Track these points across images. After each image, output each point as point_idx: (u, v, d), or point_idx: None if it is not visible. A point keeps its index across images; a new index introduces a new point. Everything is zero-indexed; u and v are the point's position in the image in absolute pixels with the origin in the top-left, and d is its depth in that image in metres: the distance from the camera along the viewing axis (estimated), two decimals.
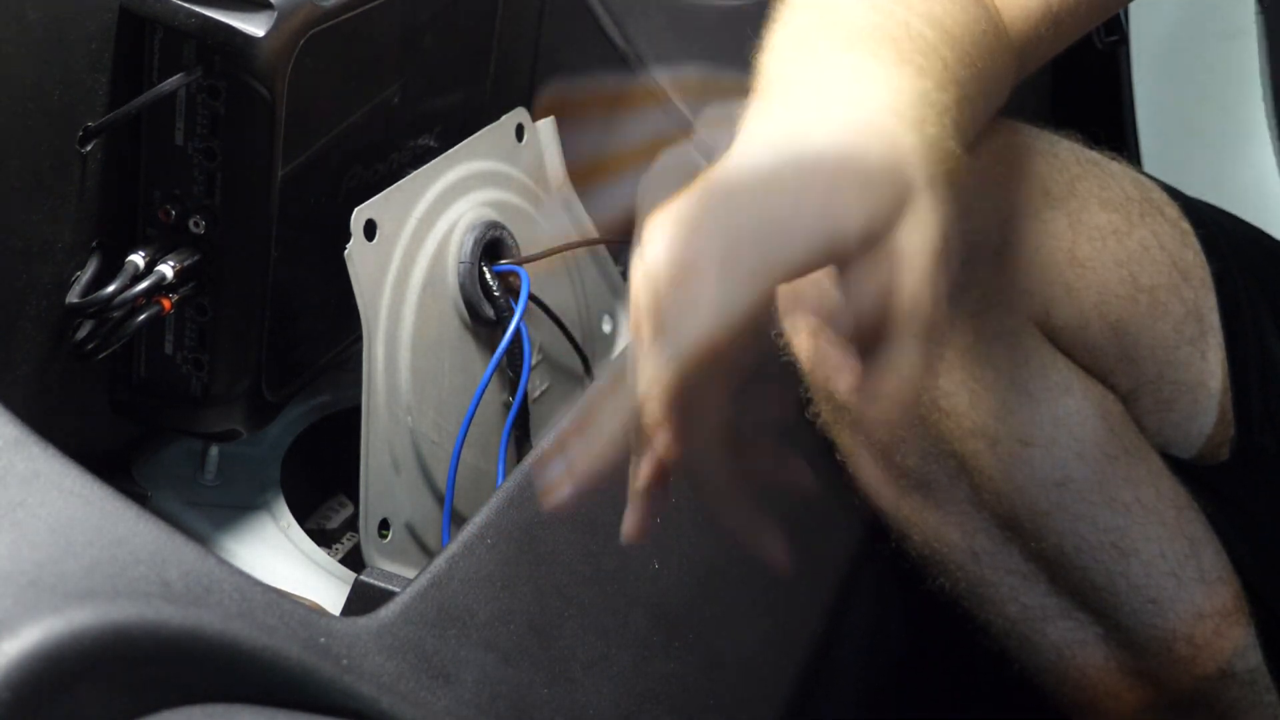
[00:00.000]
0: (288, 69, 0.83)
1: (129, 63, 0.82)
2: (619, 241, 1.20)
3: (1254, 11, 1.31)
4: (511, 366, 0.97)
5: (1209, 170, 1.35)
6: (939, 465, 0.94)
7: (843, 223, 0.61)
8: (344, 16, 0.87)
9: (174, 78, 0.81)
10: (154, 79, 0.83)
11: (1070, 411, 0.93)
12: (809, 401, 0.98)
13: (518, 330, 0.95)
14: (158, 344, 0.88)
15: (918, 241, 0.63)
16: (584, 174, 1.12)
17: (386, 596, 0.73)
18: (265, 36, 0.81)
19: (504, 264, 0.99)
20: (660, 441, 0.63)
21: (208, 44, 0.81)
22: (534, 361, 0.99)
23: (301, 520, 0.97)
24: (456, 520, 0.92)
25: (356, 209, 0.89)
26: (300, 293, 0.92)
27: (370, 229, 0.90)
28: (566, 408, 0.95)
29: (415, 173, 0.95)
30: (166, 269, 0.83)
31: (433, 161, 0.97)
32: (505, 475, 0.94)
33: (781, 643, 0.93)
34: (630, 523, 0.66)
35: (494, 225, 0.99)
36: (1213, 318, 0.96)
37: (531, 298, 0.97)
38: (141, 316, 0.83)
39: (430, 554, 0.93)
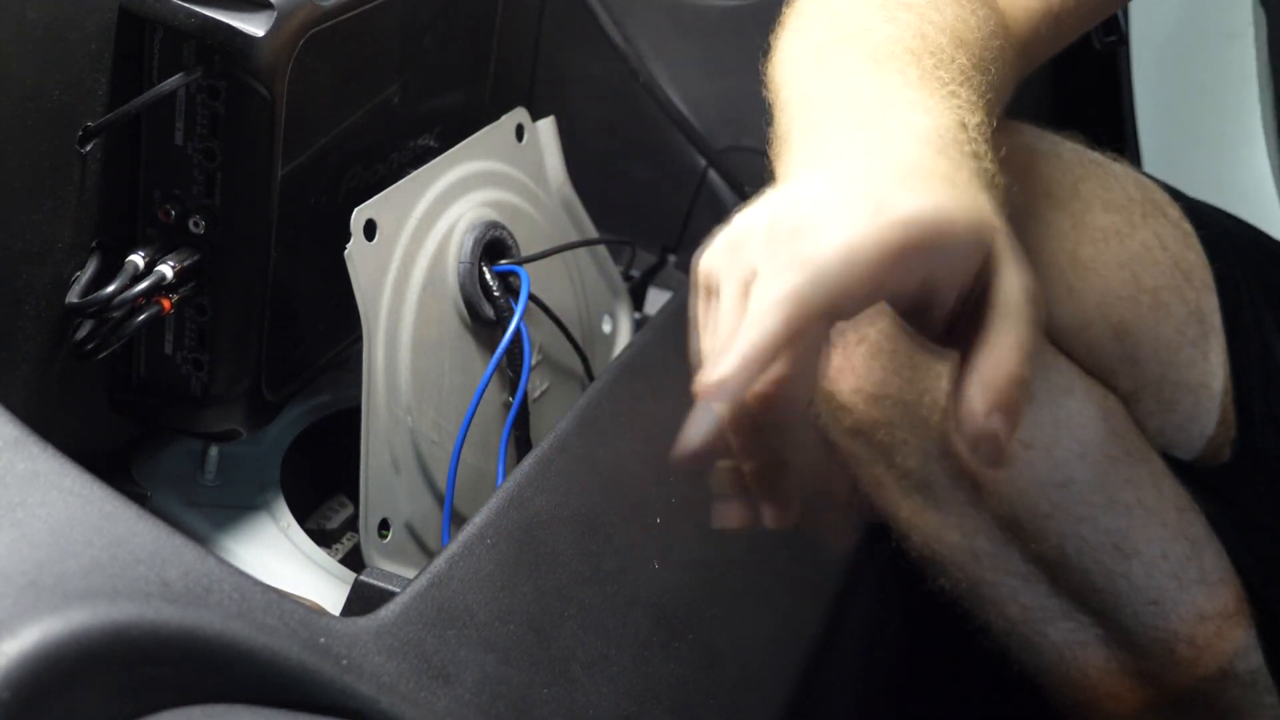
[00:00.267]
0: (288, 69, 0.83)
1: (129, 63, 0.82)
2: (619, 241, 1.20)
3: (1251, 10, 1.31)
4: (511, 366, 0.97)
5: (1209, 171, 1.35)
6: (939, 466, 0.94)
7: (940, 294, 0.63)
8: (344, 16, 0.87)
9: (174, 78, 0.81)
10: (154, 79, 0.83)
11: (1072, 413, 0.93)
12: (810, 402, 0.98)
13: (518, 330, 0.95)
14: (157, 344, 0.88)
15: (1015, 291, 0.63)
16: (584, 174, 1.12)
17: (386, 596, 0.73)
18: (265, 36, 0.81)
19: (504, 264, 0.99)
20: (774, 370, 0.62)
21: (208, 44, 0.81)
22: (534, 361, 0.99)
23: (301, 520, 0.96)
24: (456, 520, 0.92)
25: (356, 209, 0.89)
26: (300, 293, 0.92)
27: (370, 229, 0.90)
28: (567, 408, 0.95)
29: (415, 173, 0.95)
30: (166, 269, 0.83)
31: (433, 161, 0.97)
32: (505, 475, 0.94)
33: (781, 643, 0.93)
34: (692, 437, 0.63)
35: (494, 225, 0.99)
36: (1215, 319, 0.96)
37: (531, 298, 0.97)
38: (141, 316, 0.83)
39: (430, 554, 0.93)
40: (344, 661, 0.64)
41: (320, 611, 0.69)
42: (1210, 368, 0.96)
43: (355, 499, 0.90)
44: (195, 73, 0.81)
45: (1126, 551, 0.94)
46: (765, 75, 0.79)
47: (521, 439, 0.99)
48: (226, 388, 0.89)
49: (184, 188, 0.85)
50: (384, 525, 0.91)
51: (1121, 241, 0.94)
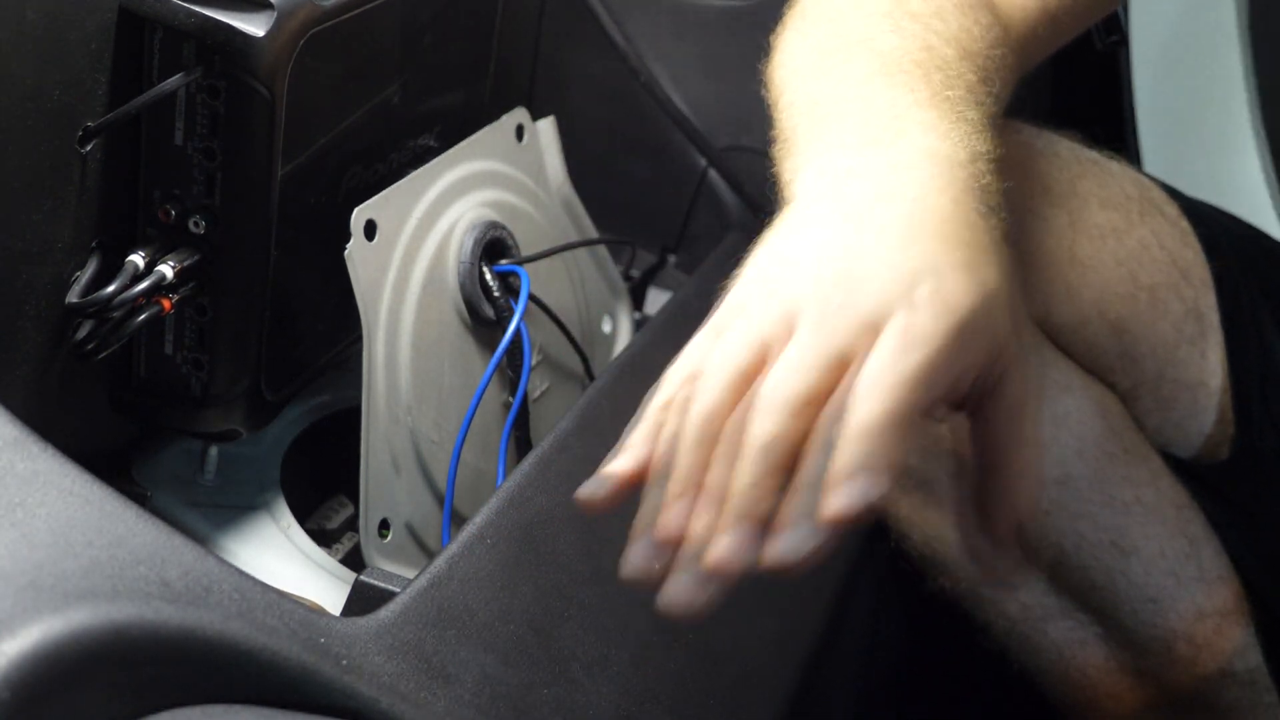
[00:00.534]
0: (288, 69, 0.83)
1: (129, 62, 0.82)
2: (619, 241, 1.20)
3: (1235, 13, 1.31)
4: (511, 366, 0.97)
5: (1209, 170, 1.35)
6: (938, 464, 0.94)
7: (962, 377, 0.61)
8: (344, 16, 0.87)
9: (174, 77, 0.81)
10: (154, 79, 0.83)
11: (1070, 410, 0.93)
12: None
13: (518, 330, 0.95)
14: (158, 344, 0.88)
15: (1018, 390, 0.62)
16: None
17: (386, 596, 0.73)
18: (265, 36, 0.81)
19: (504, 264, 0.99)
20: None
21: (208, 44, 0.81)
22: (534, 361, 0.99)
23: (301, 520, 0.96)
24: (456, 520, 0.92)
25: (356, 209, 0.89)
26: (300, 293, 0.92)
27: (370, 229, 0.90)
28: (567, 408, 0.95)
29: (415, 173, 0.95)
30: (166, 269, 0.83)
31: (433, 161, 0.97)
32: (505, 475, 0.94)
33: (781, 643, 0.93)
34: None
35: (494, 225, 0.99)
36: (1213, 317, 0.96)
37: (531, 298, 0.97)
38: (141, 316, 0.83)
39: (430, 554, 0.93)
40: (344, 661, 0.64)
41: (320, 611, 0.69)
42: (1208, 365, 0.96)
43: (355, 499, 0.90)
44: (195, 73, 0.81)
45: (1125, 549, 0.94)
46: (766, 76, 0.79)
47: (521, 439, 0.99)
48: (226, 388, 0.89)
49: (184, 188, 0.85)
50: (384, 525, 0.91)
51: (1119, 239, 0.94)
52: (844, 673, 1.05)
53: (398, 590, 0.73)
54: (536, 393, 1.03)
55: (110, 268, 0.84)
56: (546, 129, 1.10)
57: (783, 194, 0.68)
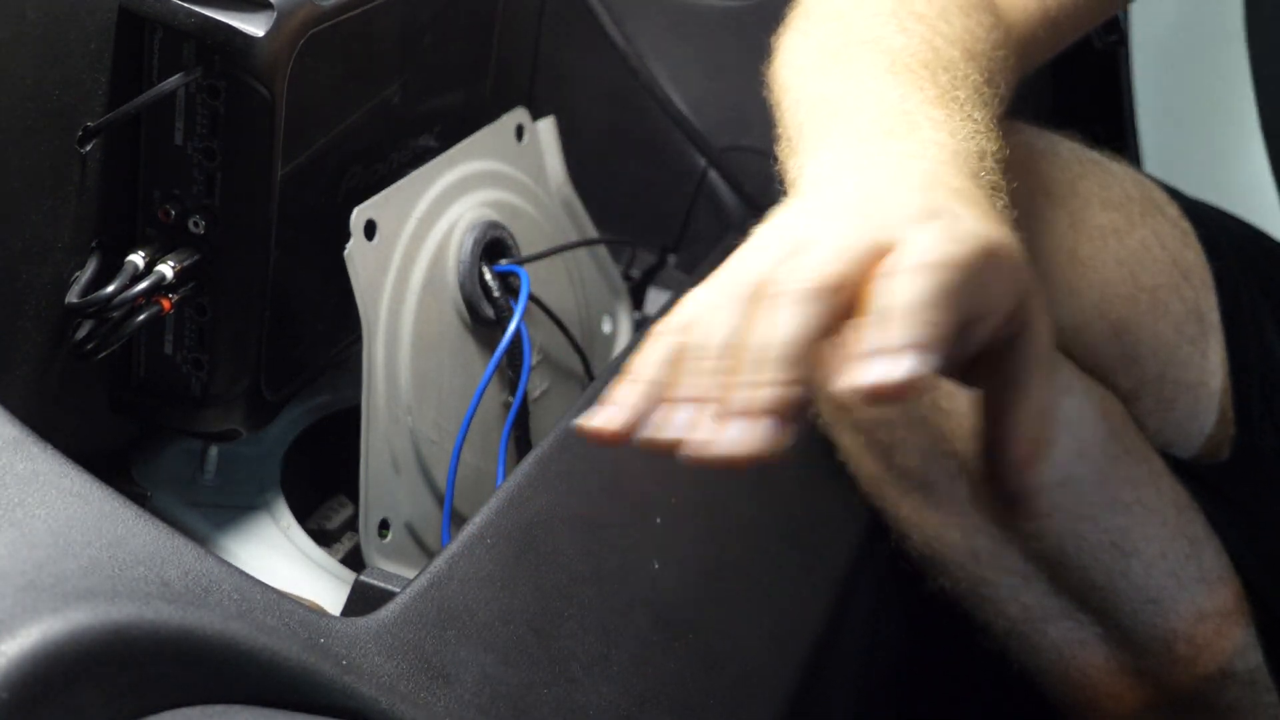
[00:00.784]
0: (288, 69, 0.83)
1: (129, 62, 0.82)
2: (619, 241, 1.20)
3: (1235, 13, 1.31)
4: (511, 366, 0.97)
5: (1209, 170, 1.35)
6: (939, 465, 0.94)
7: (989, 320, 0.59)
8: (344, 16, 0.87)
9: (174, 77, 0.81)
10: (154, 79, 0.83)
11: (1071, 411, 0.93)
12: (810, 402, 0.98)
13: (518, 330, 0.95)
14: (157, 344, 0.88)
15: (1048, 343, 0.62)
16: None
17: (386, 596, 0.73)
18: (265, 36, 0.81)
19: (504, 264, 0.99)
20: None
21: (207, 44, 0.81)
22: (534, 361, 0.99)
23: (301, 520, 0.96)
24: (456, 520, 0.92)
25: (356, 209, 0.89)
26: (300, 293, 0.92)
27: (370, 229, 0.90)
28: (567, 408, 0.95)
29: (415, 173, 0.95)
30: (166, 269, 0.83)
31: (433, 161, 0.97)
32: (505, 475, 0.94)
33: (781, 643, 0.93)
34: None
35: (494, 225, 0.99)
36: (1213, 317, 0.96)
37: (531, 298, 0.97)
38: (141, 316, 0.83)
39: (430, 554, 0.93)
40: (344, 661, 0.64)
41: (320, 611, 0.69)
42: (1209, 366, 0.96)
43: (355, 499, 0.90)
44: (195, 72, 0.81)
45: (1126, 550, 0.94)
46: (769, 76, 0.79)
47: (521, 439, 0.99)
48: (226, 388, 0.89)
49: (184, 188, 0.85)
50: (384, 525, 0.91)
51: (1120, 240, 0.94)
52: (844, 673, 1.05)
53: (398, 590, 0.73)
54: (536, 393, 1.03)
55: (110, 268, 0.84)
56: (546, 129, 1.10)
57: (788, 190, 0.68)
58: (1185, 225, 0.98)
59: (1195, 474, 0.97)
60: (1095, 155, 0.98)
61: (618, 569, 0.83)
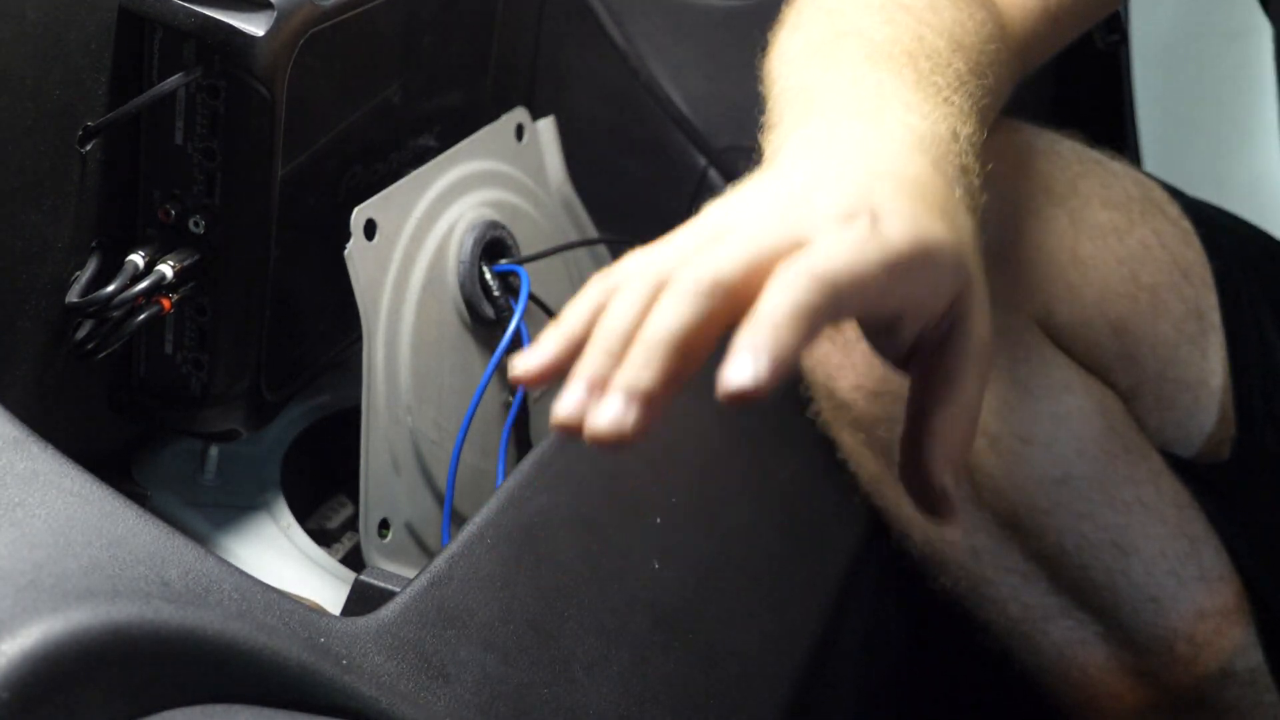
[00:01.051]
0: (288, 69, 0.83)
1: (129, 62, 0.82)
2: (619, 241, 1.20)
3: (1258, 12, 1.31)
4: None
5: (1210, 170, 1.35)
6: None
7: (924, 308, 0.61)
8: (344, 16, 0.87)
9: (174, 77, 0.81)
10: (154, 78, 0.83)
11: (1071, 409, 0.93)
12: (809, 401, 0.98)
13: (518, 330, 0.95)
14: (158, 344, 0.88)
15: (982, 340, 0.63)
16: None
17: (386, 596, 0.73)
18: (265, 36, 0.81)
19: (504, 264, 0.99)
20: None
21: (207, 44, 0.81)
22: None
23: (301, 520, 0.96)
24: (456, 520, 0.92)
25: (356, 209, 0.89)
26: (300, 292, 0.92)
27: (370, 229, 0.90)
28: None
29: (415, 173, 0.95)
30: (166, 269, 0.83)
31: (433, 161, 0.97)
32: (505, 475, 0.94)
33: (781, 643, 0.93)
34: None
35: (494, 225, 0.99)
36: (1214, 316, 0.96)
37: (531, 298, 0.97)
38: (141, 316, 0.83)
39: (430, 554, 0.93)
40: (344, 661, 0.64)
41: (320, 611, 0.69)
42: (1209, 365, 0.96)
43: (355, 499, 0.90)
44: (195, 72, 0.81)
45: (1126, 548, 0.94)
46: (762, 71, 0.80)
47: (521, 439, 0.99)
48: (226, 388, 0.89)
49: (184, 187, 0.85)
50: (384, 525, 0.91)
51: (1120, 239, 0.94)
52: (844, 673, 1.05)
53: (397, 590, 0.73)
54: (536, 393, 1.03)
55: (110, 267, 0.84)
56: (546, 129, 1.10)
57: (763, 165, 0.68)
58: (1186, 224, 0.98)
59: (1195, 473, 0.97)
60: (1096, 154, 0.98)
61: (618, 569, 0.83)
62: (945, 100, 0.70)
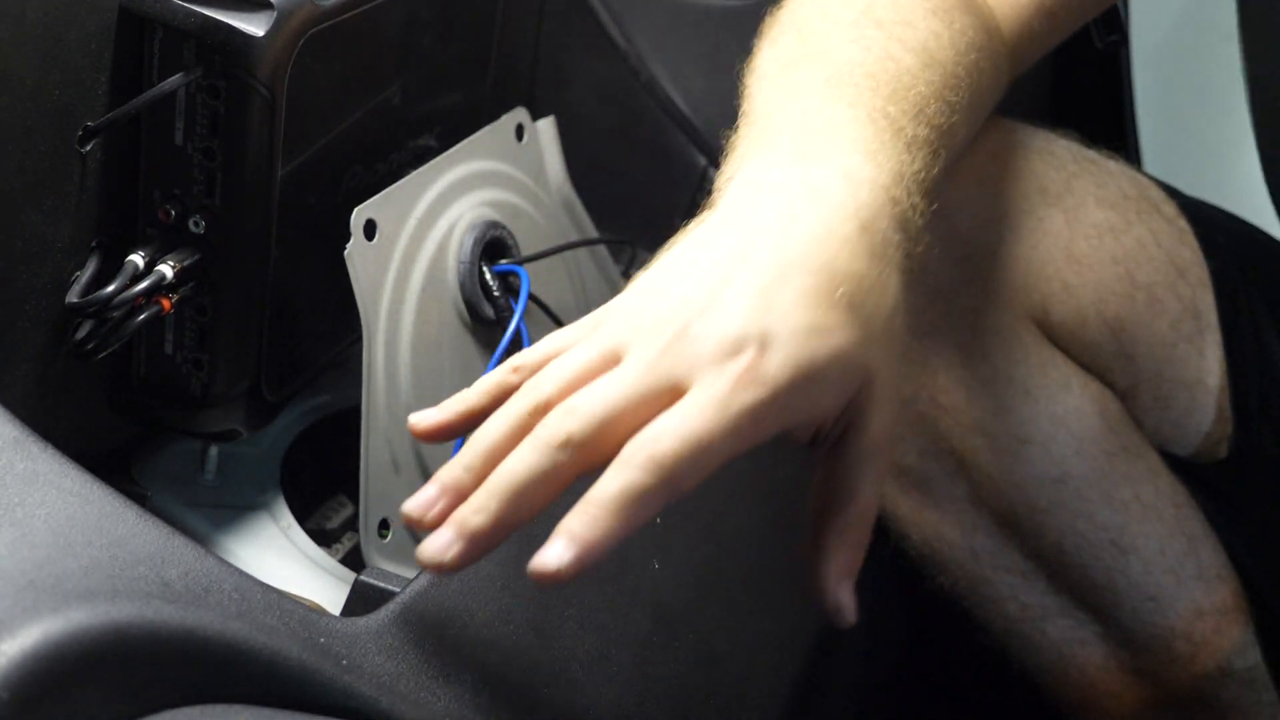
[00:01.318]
0: (288, 69, 0.83)
1: (129, 62, 0.82)
2: (619, 241, 1.20)
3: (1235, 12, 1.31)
4: None
5: (1208, 169, 1.35)
6: (937, 463, 0.94)
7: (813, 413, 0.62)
8: (344, 16, 0.87)
9: (174, 77, 0.81)
10: (154, 78, 0.83)
11: (1068, 408, 0.93)
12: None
13: (518, 330, 0.95)
14: (158, 344, 0.88)
15: (873, 434, 0.64)
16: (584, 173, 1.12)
17: (386, 596, 0.73)
18: (265, 36, 0.81)
19: (504, 264, 0.99)
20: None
21: (208, 44, 0.81)
22: None
23: (301, 520, 0.97)
24: None
25: (356, 209, 0.89)
26: (300, 293, 0.92)
27: (370, 229, 0.90)
28: None
29: (415, 173, 0.95)
30: (166, 269, 0.83)
31: (433, 161, 0.97)
32: None
33: (781, 643, 0.93)
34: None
35: (494, 225, 0.99)
36: (1210, 315, 0.97)
37: (531, 297, 0.97)
38: (141, 316, 0.83)
39: None
40: (344, 661, 0.64)
41: (320, 611, 0.70)
42: (1206, 364, 0.96)
43: (355, 499, 0.90)
44: (195, 72, 0.81)
45: (1124, 547, 0.94)
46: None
47: None
48: (226, 388, 0.89)
49: (184, 187, 0.85)
50: (384, 525, 0.91)
51: (1116, 238, 0.94)
52: (844, 673, 1.05)
53: (398, 590, 0.73)
54: None
55: (110, 268, 0.84)
56: (546, 129, 1.10)
57: (712, 199, 0.69)
58: (1182, 223, 0.98)
59: (1193, 472, 0.97)
60: (1092, 154, 0.98)
61: (618, 569, 0.83)
62: (897, 132, 0.70)
